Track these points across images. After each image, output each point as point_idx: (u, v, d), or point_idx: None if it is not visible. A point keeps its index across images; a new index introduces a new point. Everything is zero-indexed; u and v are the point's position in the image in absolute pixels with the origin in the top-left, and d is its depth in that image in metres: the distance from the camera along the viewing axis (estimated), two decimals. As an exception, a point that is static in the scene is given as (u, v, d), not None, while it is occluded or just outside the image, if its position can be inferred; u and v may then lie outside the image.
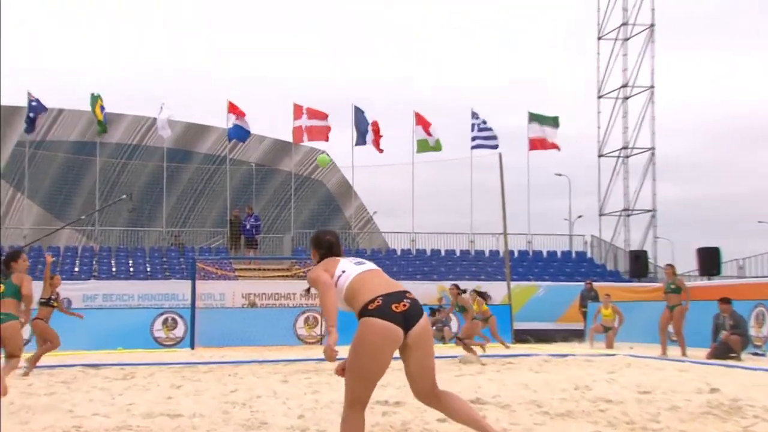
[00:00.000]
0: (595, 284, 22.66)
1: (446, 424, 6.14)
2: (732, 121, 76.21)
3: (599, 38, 32.41)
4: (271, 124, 58.56)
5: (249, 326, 18.87)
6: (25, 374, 11.19)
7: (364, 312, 4.56)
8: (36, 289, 9.63)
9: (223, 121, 28.90)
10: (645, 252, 28.27)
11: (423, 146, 28.95)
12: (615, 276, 27.60)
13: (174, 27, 72.38)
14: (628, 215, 31.65)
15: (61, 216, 38.20)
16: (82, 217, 29.07)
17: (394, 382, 7.81)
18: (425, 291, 22.20)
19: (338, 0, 73.97)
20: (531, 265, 28.17)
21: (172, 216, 38.29)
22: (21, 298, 8.79)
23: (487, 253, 28.96)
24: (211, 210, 42.41)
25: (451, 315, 18.95)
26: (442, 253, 28.88)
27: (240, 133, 28.55)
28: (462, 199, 29.94)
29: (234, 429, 6.52)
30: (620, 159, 31.84)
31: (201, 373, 11.78)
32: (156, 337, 19.32)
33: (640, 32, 31.46)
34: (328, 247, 5.02)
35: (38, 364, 11.90)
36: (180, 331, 19.41)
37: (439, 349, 12.02)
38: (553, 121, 30.24)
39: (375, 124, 28.76)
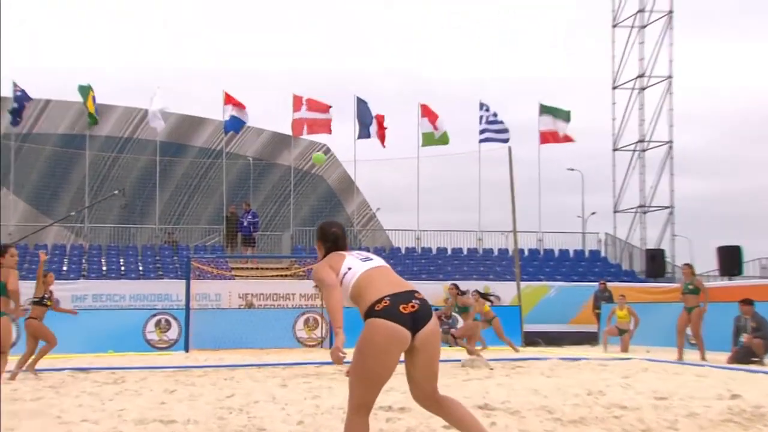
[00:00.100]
0: (610, 284, 22.46)
1: (452, 431, 5.91)
2: (755, 113, 74.80)
3: (614, 26, 32.09)
4: (270, 116, 57.96)
5: (246, 328, 18.85)
6: (12, 377, 11.13)
7: (370, 312, 4.51)
8: (26, 287, 9.71)
9: (219, 113, 28.65)
10: (662, 251, 28.07)
11: (428, 139, 28.64)
12: (630, 276, 27.24)
13: (173, 25, 71.49)
14: (645, 212, 31.27)
15: (49, 212, 38.03)
16: (72, 213, 29.02)
17: (399, 386, 7.50)
18: (431, 291, 21.80)
19: (338, 0, 73.15)
20: (542, 264, 27.96)
21: (166, 212, 38.11)
22: (8, 294, 8.83)
23: (495, 252, 28.73)
24: (207, 206, 42.16)
25: (457, 316, 18.61)
26: (449, 251, 28.68)
27: (236, 124, 28.23)
28: (469, 194, 29.59)
29: (230, 435, 6.47)
30: (636, 153, 31.49)
31: (195, 377, 11.76)
32: (148, 340, 19.22)
33: (657, 19, 31.12)
34: (333, 240, 4.96)
35: (23, 368, 11.80)
36: (174, 333, 19.31)
37: (445, 351, 12.02)
38: (566, 115, 29.76)
39: (380, 117, 28.43)
